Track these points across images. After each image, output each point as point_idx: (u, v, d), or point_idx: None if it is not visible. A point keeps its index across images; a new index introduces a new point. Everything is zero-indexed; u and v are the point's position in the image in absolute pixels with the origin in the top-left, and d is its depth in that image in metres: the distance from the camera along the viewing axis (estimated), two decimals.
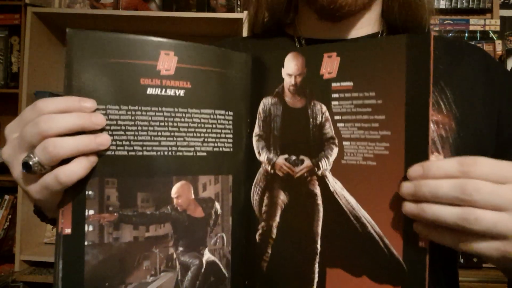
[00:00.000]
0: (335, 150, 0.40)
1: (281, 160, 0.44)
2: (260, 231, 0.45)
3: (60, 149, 0.35)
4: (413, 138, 0.36)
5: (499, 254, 0.33)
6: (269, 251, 0.44)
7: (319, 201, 0.41)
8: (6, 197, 1.64)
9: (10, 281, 1.45)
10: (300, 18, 0.60)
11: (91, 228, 0.39)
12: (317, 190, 0.41)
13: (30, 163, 0.35)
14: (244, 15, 1.50)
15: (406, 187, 0.35)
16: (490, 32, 1.60)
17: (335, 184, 0.40)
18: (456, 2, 1.64)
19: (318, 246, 0.41)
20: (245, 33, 1.47)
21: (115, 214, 0.40)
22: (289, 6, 0.61)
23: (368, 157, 0.38)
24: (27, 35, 1.51)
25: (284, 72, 0.44)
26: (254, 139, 0.45)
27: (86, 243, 0.38)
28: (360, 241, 0.39)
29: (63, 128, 0.35)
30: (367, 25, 0.56)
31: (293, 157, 0.43)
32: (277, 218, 0.44)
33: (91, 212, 0.39)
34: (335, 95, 0.40)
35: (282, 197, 0.44)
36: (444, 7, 1.64)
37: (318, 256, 0.41)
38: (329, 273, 0.41)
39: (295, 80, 0.43)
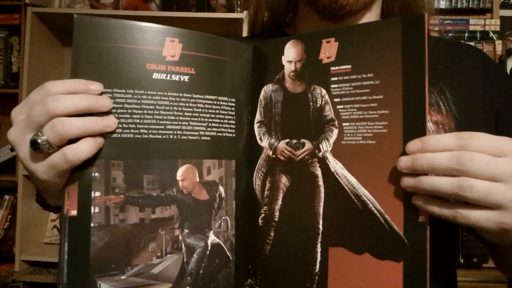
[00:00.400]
0: (335, 131, 0.41)
1: (282, 144, 0.45)
2: (262, 215, 0.45)
3: (68, 129, 0.36)
4: (411, 115, 0.37)
5: (496, 225, 0.34)
6: (272, 234, 0.45)
7: (320, 182, 0.42)
8: (6, 197, 1.64)
9: (10, 281, 1.45)
10: (300, 18, 0.60)
11: (97, 210, 0.39)
12: (318, 172, 0.42)
13: (39, 141, 0.36)
14: (244, 15, 1.50)
15: (404, 161, 0.36)
16: (490, 32, 1.59)
17: (335, 165, 0.41)
18: (456, 2, 1.64)
19: (320, 226, 0.42)
20: (245, 33, 1.47)
21: (121, 196, 0.40)
22: (288, 6, 0.61)
23: (368, 136, 0.39)
24: (27, 35, 1.51)
25: (284, 59, 0.45)
26: (256, 126, 0.46)
27: (92, 224, 0.39)
28: (361, 219, 0.39)
29: (71, 108, 0.36)
30: None
31: (294, 141, 0.44)
32: (279, 202, 0.45)
33: (97, 193, 0.39)
34: (334, 78, 0.41)
35: (284, 181, 0.45)
36: (444, 7, 1.64)
37: (320, 236, 0.42)
38: (331, 252, 0.41)
39: (295, 66, 0.44)
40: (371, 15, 0.56)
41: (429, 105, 0.49)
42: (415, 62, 0.37)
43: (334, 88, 0.41)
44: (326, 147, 0.42)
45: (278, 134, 0.45)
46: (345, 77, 0.40)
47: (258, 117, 0.46)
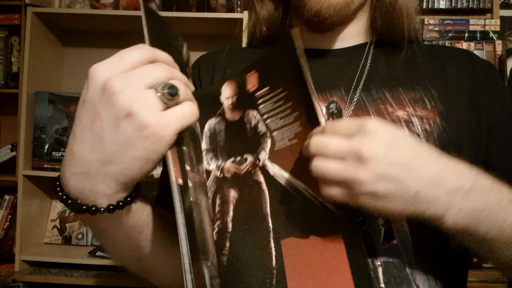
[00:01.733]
0: (269, 141, 0.48)
1: (228, 163, 0.50)
2: (216, 229, 0.49)
3: (189, 91, 0.38)
4: (309, 111, 0.44)
5: (348, 198, 0.38)
6: (227, 244, 0.48)
7: (264, 187, 0.48)
8: (6, 197, 1.64)
9: (10, 281, 1.45)
10: None
11: (191, 185, 0.38)
12: (261, 178, 0.48)
13: (176, 89, 0.36)
14: (244, 15, 1.50)
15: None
16: (490, 32, 1.59)
17: (273, 168, 0.47)
18: (456, 2, 1.64)
19: (270, 224, 0.46)
20: (245, 33, 1.47)
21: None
22: (284, 20, 0.65)
23: (291, 137, 0.46)
24: (27, 35, 1.51)
25: (223, 97, 0.52)
26: (203, 153, 0.52)
27: (191, 199, 0.38)
28: (301, 207, 0.45)
29: (184, 81, 0.38)
30: (356, 35, 0.60)
31: (238, 158, 0.50)
32: (231, 213, 0.49)
33: (188, 168, 0.39)
34: (260, 100, 0.49)
35: (233, 194, 0.49)
36: (444, 7, 1.64)
37: (271, 233, 0.46)
38: (283, 244, 0.45)
39: (232, 100, 0.51)
40: (358, 26, 0.59)
41: (414, 102, 0.53)
42: (298, 70, 0.44)
43: (261, 107, 0.49)
44: (264, 155, 0.48)
45: (224, 156, 0.50)
46: (266, 97, 0.48)
47: (204, 146, 0.52)
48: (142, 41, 0.41)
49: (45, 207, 1.68)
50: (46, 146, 1.54)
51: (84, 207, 0.37)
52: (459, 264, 0.53)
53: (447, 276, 0.49)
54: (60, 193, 0.38)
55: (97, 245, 1.60)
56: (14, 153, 1.63)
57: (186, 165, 0.38)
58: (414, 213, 0.38)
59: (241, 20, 1.50)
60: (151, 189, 0.60)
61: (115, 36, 1.73)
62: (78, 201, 0.37)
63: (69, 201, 0.37)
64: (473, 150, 0.52)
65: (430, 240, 0.48)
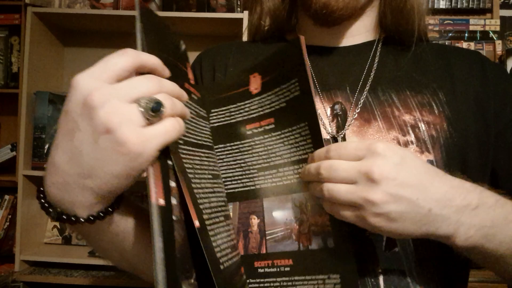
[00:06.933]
0: None
1: None
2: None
3: (178, 104, 0.36)
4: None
5: (360, 221, 0.38)
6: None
7: None
8: (6, 197, 1.64)
9: (10, 281, 1.45)
10: (300, 25, 0.63)
11: (174, 202, 0.36)
12: None
13: (163, 103, 0.33)
14: (244, 15, 1.50)
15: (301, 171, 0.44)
16: (490, 32, 1.59)
17: None
18: (456, 2, 1.64)
19: None
20: (245, 33, 1.47)
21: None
22: (290, 14, 0.63)
23: None
24: (27, 35, 1.51)
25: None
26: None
27: (174, 218, 0.35)
28: None
29: (172, 91, 0.36)
30: (363, 32, 0.58)
31: None
32: None
33: (172, 184, 0.36)
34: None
35: None
36: (444, 7, 1.64)
37: None
38: None
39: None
40: (366, 23, 0.58)
41: (421, 106, 0.51)
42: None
43: None
44: None
45: None
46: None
47: None
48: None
49: None
50: (46, 146, 1.54)
51: (64, 217, 0.36)
52: (460, 270, 0.53)
53: (448, 284, 0.49)
54: (42, 200, 0.37)
55: None
56: (14, 153, 1.63)
57: (171, 181, 0.36)
58: (425, 233, 0.39)
59: (241, 20, 1.50)
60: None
61: (115, 36, 1.73)
62: (59, 210, 0.36)
63: (50, 210, 0.37)
64: (479, 157, 0.51)
65: (432, 248, 0.47)
